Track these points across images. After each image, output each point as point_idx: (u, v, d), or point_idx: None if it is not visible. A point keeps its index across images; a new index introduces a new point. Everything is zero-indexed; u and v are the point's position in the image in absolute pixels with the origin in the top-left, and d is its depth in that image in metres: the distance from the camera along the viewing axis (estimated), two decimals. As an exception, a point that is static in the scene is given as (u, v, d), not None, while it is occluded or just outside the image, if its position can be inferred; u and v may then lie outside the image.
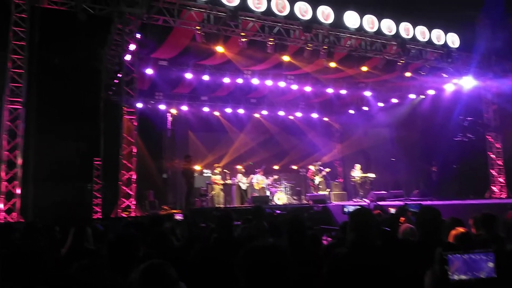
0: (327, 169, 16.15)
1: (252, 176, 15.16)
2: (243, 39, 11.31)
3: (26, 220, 8.82)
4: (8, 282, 2.31)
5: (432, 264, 2.19)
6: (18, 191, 9.09)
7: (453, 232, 3.60)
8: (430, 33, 13.03)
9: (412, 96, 16.74)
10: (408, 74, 14.17)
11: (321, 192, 15.14)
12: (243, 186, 14.71)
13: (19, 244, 3.94)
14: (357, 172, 15.32)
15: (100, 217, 12.79)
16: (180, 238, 5.14)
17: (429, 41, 13.08)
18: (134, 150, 10.39)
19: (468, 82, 14.24)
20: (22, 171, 9.28)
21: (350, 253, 2.52)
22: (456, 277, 2.16)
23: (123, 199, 10.09)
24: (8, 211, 8.91)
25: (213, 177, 14.32)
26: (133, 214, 9.93)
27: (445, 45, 13.29)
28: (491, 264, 2.20)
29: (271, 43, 11.61)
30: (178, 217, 7.02)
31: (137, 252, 2.78)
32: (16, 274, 2.32)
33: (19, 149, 9.22)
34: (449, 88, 15.16)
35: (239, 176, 14.88)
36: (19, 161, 9.20)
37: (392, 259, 2.55)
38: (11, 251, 2.52)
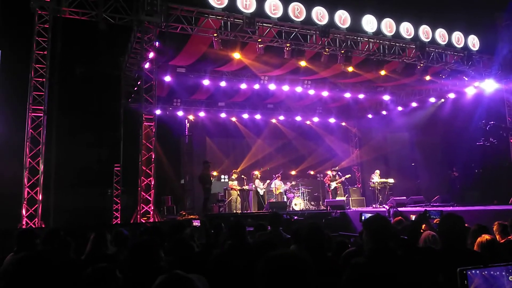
0: (348, 175, 16.02)
1: (269, 181, 15.13)
2: (260, 45, 11.34)
3: (47, 226, 8.99)
4: (24, 286, 2.34)
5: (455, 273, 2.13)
6: (40, 197, 9.28)
7: (479, 240, 3.51)
8: (450, 35, 12.82)
9: (432, 100, 16.46)
10: (427, 77, 13.95)
11: (338, 198, 14.99)
12: (261, 192, 14.68)
13: (39, 249, 4.00)
14: (376, 178, 15.13)
15: (119, 222, 12.95)
16: (198, 245, 5.15)
17: (449, 44, 12.86)
18: (153, 156, 10.51)
19: (489, 85, 13.92)
20: (44, 177, 9.48)
21: (369, 263, 2.47)
22: None
23: (142, 205, 10.20)
24: (30, 217, 9.10)
25: (231, 183, 14.33)
26: (151, 220, 10.02)
27: (466, 47, 13.05)
28: None
29: (288, 49, 11.60)
30: (195, 223, 7.05)
31: (158, 259, 2.79)
32: (32, 278, 2.35)
33: (41, 156, 9.42)
34: (470, 91, 14.84)
35: (257, 181, 14.86)
36: (41, 167, 9.40)
37: (412, 269, 2.49)
38: (29, 256, 2.56)
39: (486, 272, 2.11)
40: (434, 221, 4.75)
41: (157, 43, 10.92)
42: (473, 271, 2.10)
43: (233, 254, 3.47)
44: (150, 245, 2.86)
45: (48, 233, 4.32)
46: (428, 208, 6.08)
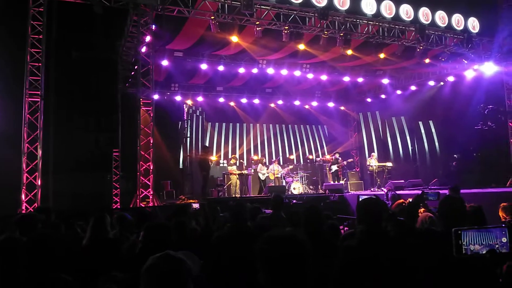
0: (350, 159, 16.18)
1: (269, 165, 15.18)
2: (258, 28, 11.21)
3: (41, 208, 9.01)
4: (29, 270, 2.35)
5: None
6: (39, 182, 9.29)
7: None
8: (450, 18, 12.68)
9: (431, 83, 16.38)
10: (427, 60, 13.85)
11: (337, 182, 15.07)
12: (262, 177, 14.69)
13: (41, 232, 3.99)
14: (373, 161, 15.17)
15: (119, 206, 13.01)
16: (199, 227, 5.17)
17: (449, 26, 12.73)
18: (151, 141, 10.50)
19: (489, 68, 13.85)
20: (42, 162, 9.47)
21: (360, 245, 2.48)
22: (471, 247, 2.21)
23: (142, 189, 10.23)
24: (30, 202, 9.13)
25: (230, 167, 14.36)
26: (151, 204, 10.06)
27: (465, 30, 12.92)
28: (504, 239, 2.29)
29: (286, 32, 11.47)
30: (195, 205, 7.07)
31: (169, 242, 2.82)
32: (36, 261, 2.36)
33: (39, 141, 9.40)
34: (469, 74, 14.77)
35: (259, 166, 14.87)
36: (40, 152, 9.39)
37: (407, 250, 2.50)
38: (33, 239, 2.57)
39: (482, 231, 2.25)
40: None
41: (153, 26, 10.79)
42: (468, 230, 2.22)
43: (233, 236, 3.49)
44: (165, 228, 2.91)
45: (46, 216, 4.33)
46: (426, 190, 6.08)
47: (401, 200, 5.55)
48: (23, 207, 9.03)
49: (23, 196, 9.09)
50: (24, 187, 9.15)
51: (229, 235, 3.55)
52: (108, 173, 14.09)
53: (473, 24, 13.05)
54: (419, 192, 4.23)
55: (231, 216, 3.81)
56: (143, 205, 9.97)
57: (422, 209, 4.67)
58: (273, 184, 14.52)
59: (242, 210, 3.73)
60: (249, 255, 1.69)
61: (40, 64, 9.53)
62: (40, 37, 9.57)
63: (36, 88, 9.49)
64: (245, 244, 2.81)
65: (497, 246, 2.24)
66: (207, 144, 16.78)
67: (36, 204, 9.13)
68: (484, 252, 2.24)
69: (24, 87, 9.44)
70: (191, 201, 11.82)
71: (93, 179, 13.97)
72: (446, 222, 2.92)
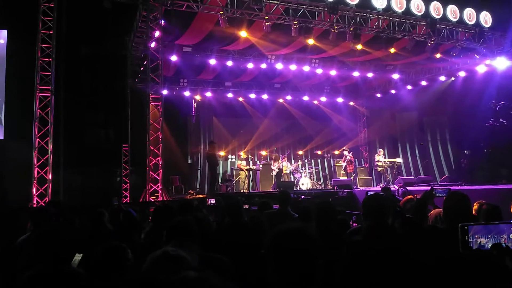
0: (349, 158, 16.18)
1: (279, 161, 15.19)
2: (267, 23, 11.16)
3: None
4: (39, 262, 2.38)
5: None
6: (50, 176, 9.41)
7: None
8: (461, 12, 12.49)
9: (442, 78, 16.18)
10: (438, 55, 13.68)
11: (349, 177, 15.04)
12: (273, 173, 14.69)
13: (52, 225, 4.05)
14: (381, 158, 15.07)
15: (129, 201, 13.12)
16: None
17: (461, 21, 12.55)
18: (161, 136, 10.57)
19: (501, 63, 13.64)
20: (53, 157, 9.59)
21: (364, 241, 2.47)
22: (477, 241, 2.22)
23: (151, 184, 10.31)
24: (41, 196, 9.25)
25: (239, 162, 14.40)
26: (160, 199, 10.14)
27: (477, 24, 12.72)
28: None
29: (296, 26, 11.41)
30: (212, 201, 7.03)
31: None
32: (47, 253, 2.39)
33: (50, 135, 9.51)
34: (481, 69, 14.56)
35: (272, 162, 14.85)
36: (50, 147, 9.50)
37: (412, 247, 2.48)
38: (43, 231, 2.61)
39: (488, 226, 2.24)
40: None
41: (162, 21, 10.81)
42: (475, 226, 2.21)
43: (230, 231, 3.52)
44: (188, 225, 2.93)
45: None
46: (435, 187, 6.02)
47: (410, 196, 5.48)
48: (34, 201, 9.16)
49: (34, 190, 9.21)
50: (35, 181, 9.28)
51: (227, 229, 3.59)
52: (118, 168, 14.20)
53: (485, 18, 12.85)
54: (429, 188, 4.18)
55: (228, 212, 3.85)
56: (152, 200, 10.05)
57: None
58: (281, 180, 14.54)
59: (237, 206, 3.78)
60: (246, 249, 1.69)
61: (50, 60, 9.63)
62: (51, 32, 9.67)
63: (47, 83, 9.60)
64: (241, 238, 2.84)
65: (503, 239, 2.22)
66: (215, 140, 16.81)
67: (47, 198, 9.25)
68: (490, 245, 2.23)
69: (35, 82, 9.55)
70: (199, 196, 11.90)
71: (103, 173, 14.08)
72: (451, 218, 2.89)
